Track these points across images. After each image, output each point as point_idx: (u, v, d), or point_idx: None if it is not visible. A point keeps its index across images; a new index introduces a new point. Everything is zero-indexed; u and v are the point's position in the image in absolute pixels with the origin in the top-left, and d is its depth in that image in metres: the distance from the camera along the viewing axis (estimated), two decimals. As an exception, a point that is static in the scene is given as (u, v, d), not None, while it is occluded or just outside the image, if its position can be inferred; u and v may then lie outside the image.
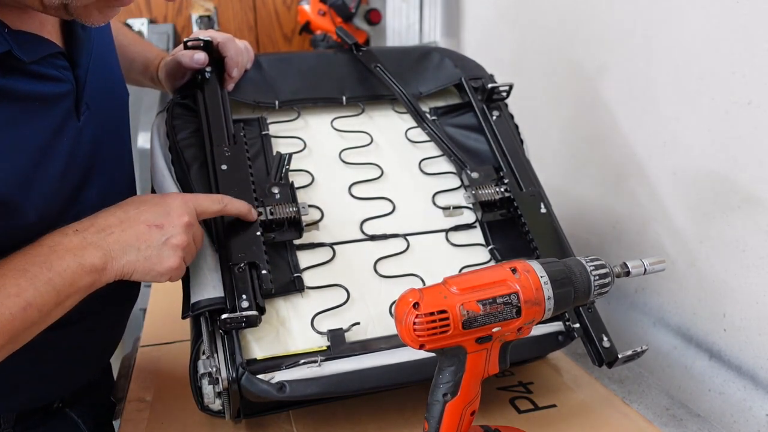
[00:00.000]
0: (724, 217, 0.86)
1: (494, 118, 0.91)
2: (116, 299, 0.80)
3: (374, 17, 2.07)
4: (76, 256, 0.59)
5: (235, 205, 0.72)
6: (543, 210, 0.83)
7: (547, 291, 0.55)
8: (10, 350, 0.57)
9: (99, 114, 0.70)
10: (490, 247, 0.83)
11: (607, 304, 1.10)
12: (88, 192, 0.69)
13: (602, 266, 0.58)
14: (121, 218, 0.63)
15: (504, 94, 0.93)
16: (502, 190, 0.84)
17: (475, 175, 0.86)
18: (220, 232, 0.73)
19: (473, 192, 0.84)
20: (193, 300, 0.70)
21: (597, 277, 0.57)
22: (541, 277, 0.55)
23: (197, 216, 0.68)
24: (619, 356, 0.72)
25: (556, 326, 0.77)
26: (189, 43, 0.85)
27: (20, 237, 0.59)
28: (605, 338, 0.73)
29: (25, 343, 0.58)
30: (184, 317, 0.71)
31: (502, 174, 0.86)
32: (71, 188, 0.66)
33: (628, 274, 0.60)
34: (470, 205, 0.85)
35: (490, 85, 0.92)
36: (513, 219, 0.84)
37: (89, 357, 0.80)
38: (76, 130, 0.66)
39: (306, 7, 2.23)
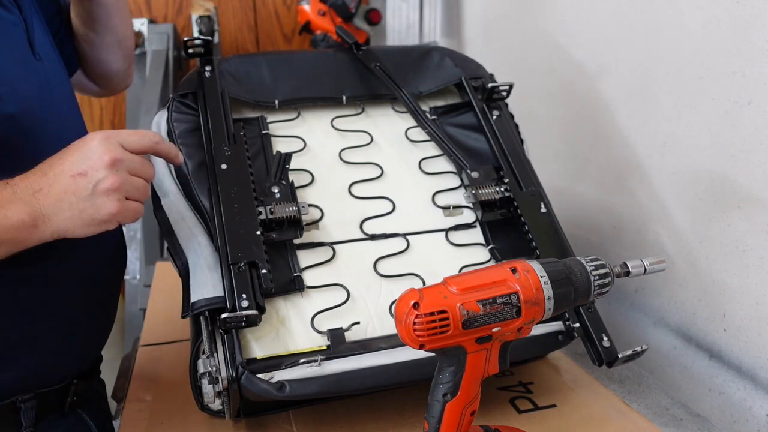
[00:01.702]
0: (724, 217, 0.86)
1: (494, 117, 0.91)
2: (106, 258, 0.78)
3: (374, 17, 2.07)
4: (3, 208, 0.57)
5: (165, 146, 0.68)
6: (543, 210, 0.83)
7: (547, 291, 0.55)
8: None
9: (51, 72, 0.73)
10: (490, 247, 0.83)
11: (607, 304, 1.10)
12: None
13: (602, 266, 0.58)
14: (47, 173, 0.60)
15: (504, 93, 0.93)
16: (503, 189, 0.84)
17: (475, 174, 0.85)
18: (220, 231, 0.73)
19: (473, 192, 0.84)
20: (192, 299, 0.70)
21: (597, 277, 0.57)
22: (541, 277, 0.55)
23: (127, 150, 0.63)
24: (619, 356, 0.71)
25: (556, 326, 0.77)
26: (188, 43, 0.85)
27: (2, 129, 0.61)
28: (605, 338, 0.73)
29: None
30: (183, 317, 0.71)
31: (502, 173, 0.86)
32: (39, 88, 0.69)
33: (628, 274, 0.60)
34: (470, 205, 0.85)
35: (490, 85, 0.92)
36: (513, 219, 0.84)
37: (89, 326, 0.78)
38: (35, 64, 0.69)
39: (306, 7, 2.22)
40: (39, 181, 0.59)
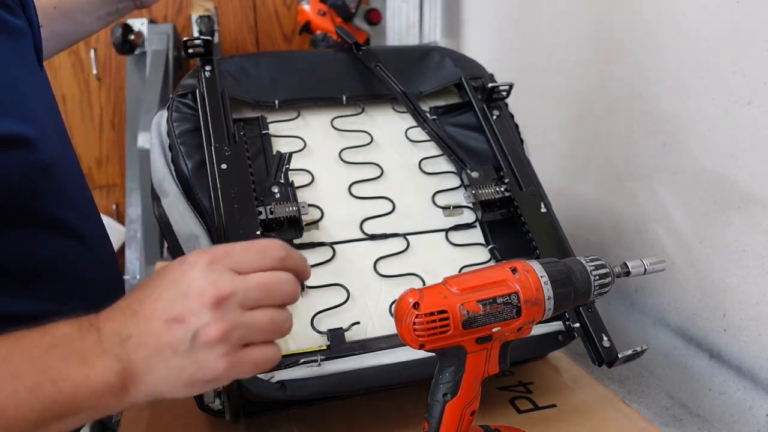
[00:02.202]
0: (724, 217, 0.86)
1: (494, 117, 0.91)
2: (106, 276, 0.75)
3: (374, 17, 2.07)
4: (85, 364, 0.43)
5: (294, 261, 0.50)
6: (543, 209, 0.83)
7: (547, 291, 0.55)
8: None
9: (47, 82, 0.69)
10: (490, 247, 0.83)
11: (607, 304, 1.10)
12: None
13: (602, 266, 0.58)
14: (137, 312, 0.45)
15: (504, 93, 0.93)
16: (502, 189, 0.84)
17: (475, 174, 0.86)
18: (220, 231, 0.73)
19: (473, 191, 0.84)
20: None
21: (597, 277, 0.57)
22: (541, 277, 0.55)
23: (240, 276, 0.47)
24: (619, 356, 0.72)
25: (556, 326, 0.77)
26: (188, 43, 0.85)
27: (37, 177, 0.56)
28: (605, 338, 0.73)
29: None
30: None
31: (502, 174, 0.86)
32: (49, 108, 0.64)
33: (628, 274, 0.60)
34: (470, 205, 0.85)
35: (490, 85, 0.92)
36: (513, 219, 0.84)
37: None
38: (43, 79, 0.66)
39: (306, 7, 2.22)
40: (128, 324, 0.45)
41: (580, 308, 0.75)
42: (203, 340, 0.44)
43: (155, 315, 0.44)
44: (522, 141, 0.92)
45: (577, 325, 0.75)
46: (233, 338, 0.45)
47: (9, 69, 0.59)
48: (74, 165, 0.72)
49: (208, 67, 0.86)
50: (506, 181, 0.85)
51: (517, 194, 0.84)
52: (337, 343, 0.71)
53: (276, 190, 0.78)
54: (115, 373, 0.43)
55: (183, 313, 0.44)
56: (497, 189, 0.84)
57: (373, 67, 0.94)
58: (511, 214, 0.84)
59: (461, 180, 0.87)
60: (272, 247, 0.48)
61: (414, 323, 0.52)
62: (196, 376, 0.44)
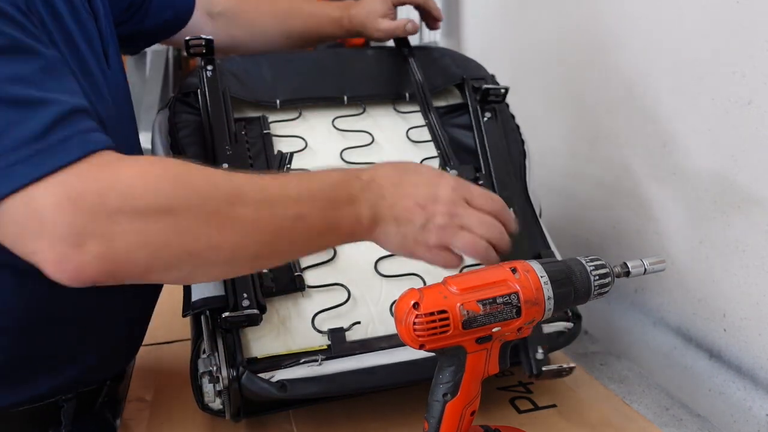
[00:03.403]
0: (724, 217, 0.86)
1: (485, 119, 0.91)
2: None
3: (375, 17, 2.07)
4: (354, 203, 0.58)
5: (505, 215, 0.66)
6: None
7: (547, 291, 0.55)
8: (257, 263, 0.58)
9: (120, 79, 0.73)
10: (490, 247, 0.82)
11: (607, 304, 1.10)
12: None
13: (602, 266, 0.58)
14: (395, 184, 0.61)
15: (500, 97, 0.92)
16: None
17: (453, 172, 0.85)
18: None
19: None
20: (193, 298, 0.70)
21: (597, 277, 0.57)
22: (541, 277, 0.55)
23: (469, 206, 0.63)
24: (544, 369, 0.73)
25: (557, 326, 0.77)
26: (190, 43, 0.85)
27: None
28: (540, 350, 0.74)
29: (269, 264, 0.62)
30: (184, 315, 0.72)
31: (478, 175, 0.85)
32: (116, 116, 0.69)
33: (628, 274, 0.60)
34: None
35: (484, 86, 0.92)
36: None
37: (132, 330, 0.79)
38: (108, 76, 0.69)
39: (306, 6, 2.22)
40: (388, 190, 0.61)
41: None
42: (432, 225, 0.61)
43: (410, 196, 0.61)
44: (523, 142, 0.92)
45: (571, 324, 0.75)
46: (447, 235, 0.61)
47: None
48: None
49: (209, 67, 0.86)
50: (480, 182, 0.84)
51: None
52: (338, 343, 0.71)
53: (277, 190, 0.78)
54: (368, 217, 0.59)
55: (428, 206, 0.61)
56: None
57: (407, 54, 0.94)
58: None
59: None
60: (498, 199, 0.66)
61: (414, 323, 0.52)
62: (413, 241, 0.61)
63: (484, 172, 0.86)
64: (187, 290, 0.72)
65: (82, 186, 0.47)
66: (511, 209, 0.82)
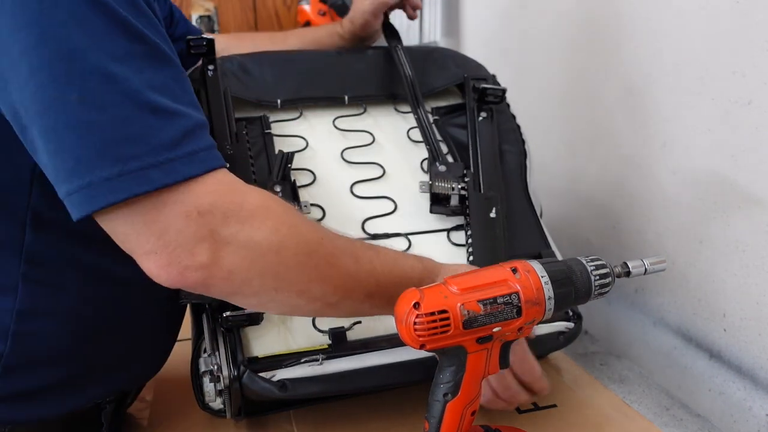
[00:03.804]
0: (724, 217, 0.86)
1: (480, 119, 0.91)
2: None
3: (375, 17, 2.07)
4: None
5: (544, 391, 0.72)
6: (493, 215, 0.82)
7: (548, 291, 0.55)
8: (323, 312, 0.60)
9: None
10: (490, 247, 0.83)
11: (607, 304, 1.10)
12: None
13: (603, 266, 0.58)
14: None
15: (498, 98, 0.92)
16: (459, 187, 0.83)
17: (442, 168, 0.85)
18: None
19: (429, 183, 0.83)
20: None
21: (597, 277, 0.57)
22: (542, 277, 0.55)
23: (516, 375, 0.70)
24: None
25: (557, 326, 0.77)
26: (191, 43, 0.85)
27: None
28: None
29: (329, 315, 0.63)
30: (182, 302, 0.71)
31: (465, 173, 0.85)
32: None
33: (628, 274, 0.60)
34: (425, 194, 0.84)
35: (482, 86, 0.92)
36: (462, 216, 0.83)
37: (169, 333, 0.80)
38: None
39: (306, 7, 2.23)
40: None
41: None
42: None
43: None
44: (524, 141, 0.92)
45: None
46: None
47: None
48: None
49: (210, 66, 0.86)
50: (466, 180, 0.84)
51: (472, 194, 0.83)
52: (339, 342, 0.71)
53: (278, 190, 0.78)
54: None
55: None
56: (452, 185, 0.83)
57: (393, 47, 0.94)
58: (461, 213, 0.83)
59: (429, 172, 0.86)
60: (542, 384, 0.70)
61: (414, 323, 0.52)
62: None
63: (472, 169, 0.85)
64: None
65: (211, 202, 0.51)
66: (494, 209, 0.82)
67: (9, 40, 0.48)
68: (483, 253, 0.79)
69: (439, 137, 0.91)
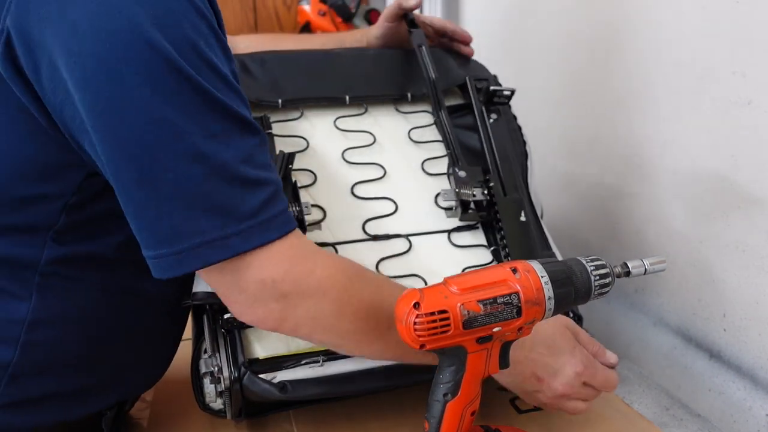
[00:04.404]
0: (724, 217, 0.86)
1: (491, 120, 0.91)
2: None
3: (374, 17, 2.07)
4: None
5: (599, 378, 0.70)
6: (523, 218, 0.82)
7: (548, 291, 0.55)
8: (370, 357, 0.68)
9: None
10: (492, 248, 0.83)
11: (607, 304, 1.10)
12: None
13: (603, 266, 0.58)
14: (522, 344, 0.65)
15: (505, 99, 0.93)
16: (485, 192, 0.83)
17: (462, 174, 0.85)
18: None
19: (456, 190, 0.83)
20: (194, 289, 0.70)
21: (597, 277, 0.57)
22: (542, 277, 0.55)
23: (586, 385, 0.69)
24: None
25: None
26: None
27: None
28: None
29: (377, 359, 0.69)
30: (184, 305, 0.71)
31: (488, 177, 0.85)
32: None
33: (628, 274, 0.60)
34: (452, 203, 0.84)
35: (492, 88, 0.92)
36: (491, 222, 0.83)
37: (173, 341, 0.81)
38: None
39: (306, 7, 2.23)
40: (530, 351, 0.67)
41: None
42: (540, 396, 0.69)
43: (533, 363, 0.67)
44: (525, 143, 0.92)
45: None
46: (557, 404, 0.70)
47: None
48: None
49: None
50: (491, 185, 0.84)
51: (500, 199, 0.83)
52: (339, 343, 0.71)
53: (278, 190, 0.78)
54: None
55: (545, 379, 0.67)
56: (479, 191, 0.83)
57: (417, 47, 0.95)
58: (491, 218, 0.83)
59: (449, 178, 0.87)
60: (616, 382, 0.71)
61: (414, 323, 0.52)
62: (522, 392, 0.70)
63: (492, 173, 0.85)
64: (191, 280, 0.72)
65: (285, 270, 0.57)
66: (522, 212, 0.82)
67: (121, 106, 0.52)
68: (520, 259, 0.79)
69: (439, 137, 0.91)
